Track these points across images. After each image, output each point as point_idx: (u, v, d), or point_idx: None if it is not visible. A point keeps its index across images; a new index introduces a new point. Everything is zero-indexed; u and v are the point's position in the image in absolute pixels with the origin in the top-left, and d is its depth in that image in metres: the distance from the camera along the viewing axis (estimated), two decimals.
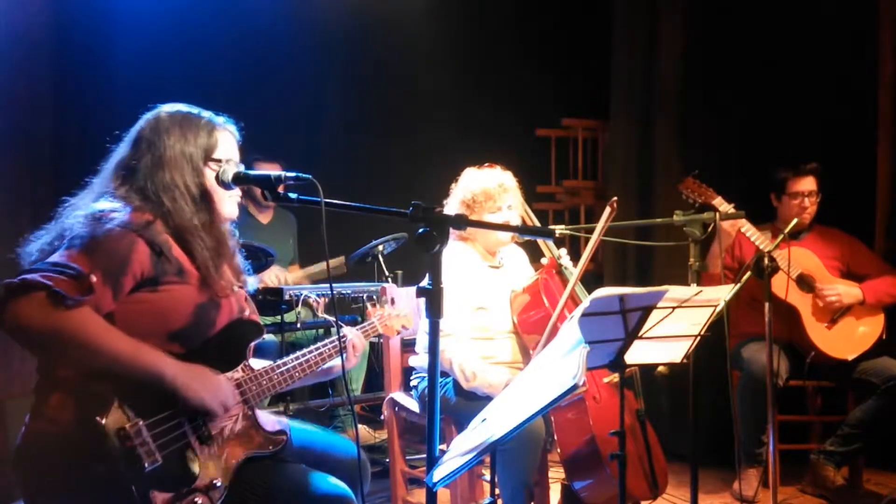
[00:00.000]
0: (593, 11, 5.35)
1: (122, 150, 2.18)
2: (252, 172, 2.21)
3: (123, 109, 2.28)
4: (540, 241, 3.26)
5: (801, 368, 3.92)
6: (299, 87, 5.31)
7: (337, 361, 2.38)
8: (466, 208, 3.14)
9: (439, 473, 1.88)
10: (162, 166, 2.11)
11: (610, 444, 2.67)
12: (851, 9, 4.50)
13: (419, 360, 3.21)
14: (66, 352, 1.89)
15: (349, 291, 4.16)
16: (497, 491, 2.52)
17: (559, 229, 3.45)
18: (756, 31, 4.66)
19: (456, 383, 2.99)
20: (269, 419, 2.25)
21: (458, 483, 3.00)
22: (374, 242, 4.10)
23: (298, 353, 2.33)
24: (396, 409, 3.31)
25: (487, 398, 2.76)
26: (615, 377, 2.66)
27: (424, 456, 2.89)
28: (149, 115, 2.19)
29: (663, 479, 3.06)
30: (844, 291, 3.86)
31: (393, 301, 2.75)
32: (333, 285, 4.09)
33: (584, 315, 2.16)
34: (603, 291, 2.30)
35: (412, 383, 3.25)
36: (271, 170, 3.86)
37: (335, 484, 2.16)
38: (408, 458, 3.52)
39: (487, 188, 3.13)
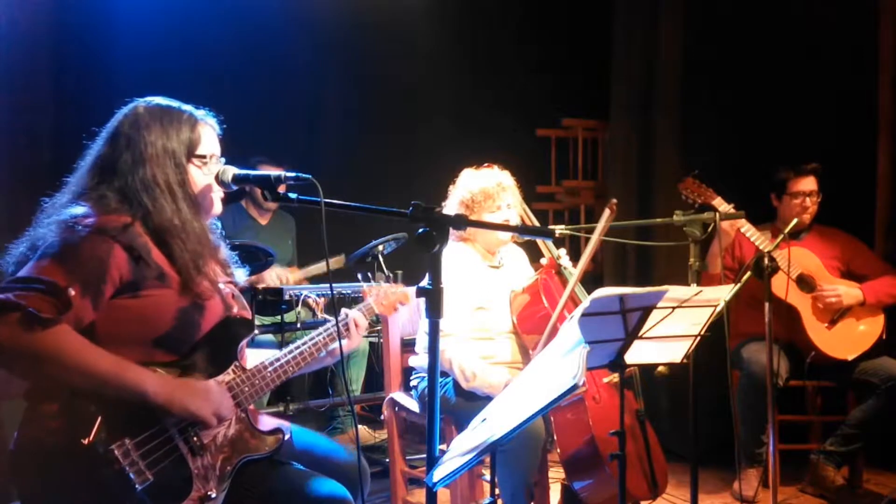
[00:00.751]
0: (593, 11, 5.35)
1: (99, 147, 2.08)
2: (252, 172, 2.17)
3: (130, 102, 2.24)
4: (539, 241, 3.26)
5: (801, 368, 3.92)
6: (299, 87, 5.31)
7: (335, 344, 2.32)
8: (466, 209, 3.14)
9: (439, 473, 1.88)
10: (143, 163, 2.03)
11: (610, 444, 2.67)
12: (851, 9, 4.50)
13: (419, 360, 3.21)
14: (45, 372, 1.84)
15: (349, 291, 4.16)
16: (497, 491, 2.51)
17: (559, 229, 3.45)
18: (756, 31, 4.66)
19: (456, 383, 2.99)
20: (265, 419, 2.22)
21: (458, 483, 3.00)
22: (374, 242, 4.10)
23: (292, 346, 2.27)
24: (396, 409, 3.31)
25: (487, 398, 2.76)
26: (615, 377, 2.67)
27: (424, 456, 2.89)
28: (126, 110, 2.11)
29: (663, 479, 3.06)
30: (845, 292, 3.86)
31: (389, 279, 2.70)
32: (333, 285, 4.09)
33: (584, 315, 2.16)
34: (603, 291, 2.30)
35: (412, 383, 3.25)
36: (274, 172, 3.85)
37: (334, 486, 2.13)
38: (408, 458, 3.52)
39: (486, 188, 3.14)
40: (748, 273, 3.36)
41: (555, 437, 2.99)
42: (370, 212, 2.07)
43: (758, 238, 3.70)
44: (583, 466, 2.91)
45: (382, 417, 3.45)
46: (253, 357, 2.23)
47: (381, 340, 3.52)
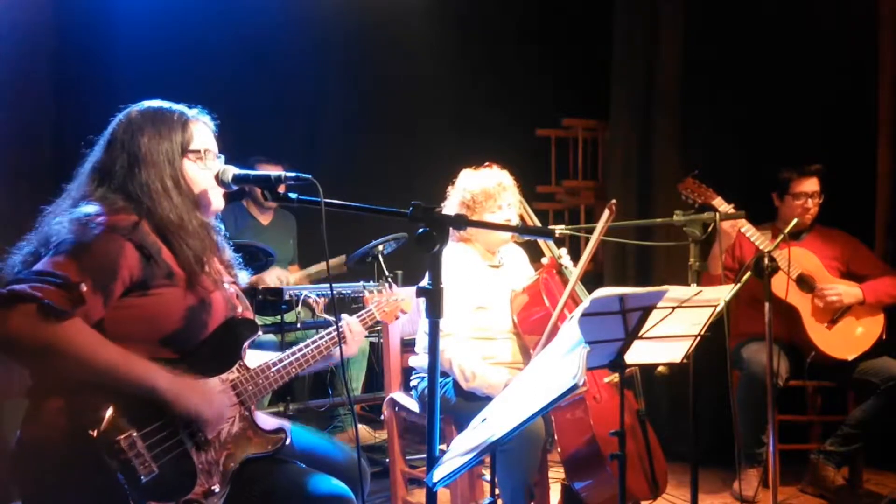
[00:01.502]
0: (593, 11, 5.35)
1: (96, 154, 2.12)
2: (252, 172, 2.18)
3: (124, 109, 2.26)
4: (540, 240, 3.26)
5: (801, 368, 3.92)
6: (299, 86, 5.31)
7: (336, 349, 2.35)
8: (466, 209, 3.14)
9: (439, 473, 1.88)
10: (138, 165, 2.06)
11: (610, 443, 2.67)
12: (851, 9, 4.50)
13: (419, 360, 3.21)
14: (57, 365, 1.86)
15: (349, 291, 4.16)
16: (497, 491, 2.51)
17: (559, 229, 3.45)
18: (756, 31, 4.66)
19: (456, 383, 2.99)
20: (268, 419, 2.24)
21: (458, 483, 3.00)
22: (374, 242, 4.10)
23: (295, 349, 2.29)
24: (396, 409, 3.31)
25: (487, 398, 2.76)
26: (615, 377, 2.66)
27: (424, 456, 2.89)
28: (120, 116, 2.14)
29: (663, 479, 3.06)
30: (845, 291, 3.86)
31: (390, 286, 2.72)
32: (333, 285, 4.09)
33: (584, 315, 2.16)
34: (603, 291, 2.30)
35: (412, 383, 3.25)
36: (273, 171, 3.86)
37: (335, 484, 2.14)
38: (408, 458, 3.52)
39: (487, 187, 3.14)
40: (748, 273, 3.36)
41: (555, 437, 2.99)
42: (370, 212, 2.08)
43: (758, 238, 3.70)
44: (583, 466, 2.91)
45: (382, 417, 3.45)
46: (253, 358, 2.24)
47: (381, 340, 3.53)
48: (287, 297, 4.08)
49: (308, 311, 4.32)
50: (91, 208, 1.99)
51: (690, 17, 4.77)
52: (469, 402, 2.92)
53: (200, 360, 2.07)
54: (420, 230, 1.90)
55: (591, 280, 4.94)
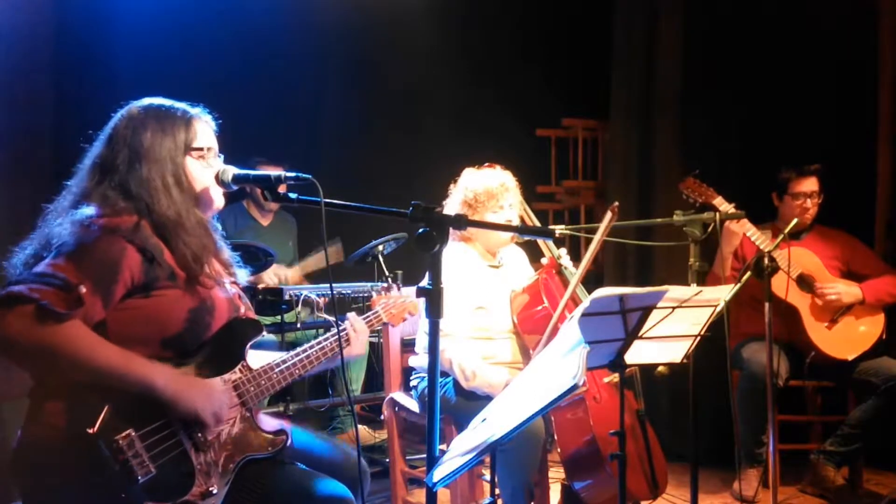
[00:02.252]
0: (593, 11, 5.35)
1: (97, 149, 2.11)
2: (252, 172, 2.18)
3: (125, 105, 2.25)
4: (540, 241, 3.26)
5: (801, 368, 3.92)
6: (299, 87, 5.31)
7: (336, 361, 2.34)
8: (468, 208, 3.14)
9: (439, 473, 1.88)
10: (140, 160, 2.05)
11: (610, 444, 2.67)
12: (851, 9, 4.50)
13: (419, 360, 3.21)
14: (56, 366, 1.86)
15: (349, 291, 4.16)
16: (497, 491, 2.51)
17: (559, 229, 3.45)
18: (756, 31, 4.66)
19: (456, 383, 2.99)
20: (269, 420, 2.23)
21: (458, 483, 3.00)
22: (374, 242, 4.10)
23: (299, 350, 2.28)
24: (396, 409, 3.31)
25: (487, 398, 2.76)
26: (615, 377, 2.67)
27: (424, 456, 2.89)
28: (122, 112, 2.13)
29: (663, 479, 3.06)
30: (844, 291, 3.86)
31: (399, 287, 2.70)
32: (334, 285, 4.09)
33: (584, 315, 2.16)
34: (603, 291, 2.30)
35: (412, 383, 3.25)
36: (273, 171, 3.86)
37: (336, 486, 2.14)
38: (408, 458, 3.52)
39: (490, 187, 3.14)
40: (748, 273, 3.36)
41: (555, 437, 2.99)
42: (370, 212, 2.08)
43: (758, 238, 3.70)
44: (583, 466, 2.91)
45: (382, 417, 3.45)
46: (254, 358, 2.24)
47: (381, 340, 3.52)
48: (287, 297, 4.08)
49: (308, 310, 4.32)
50: (91, 210, 1.98)
51: (690, 17, 4.77)
52: (469, 402, 2.92)
53: (203, 360, 2.07)
54: (420, 230, 1.90)
55: (592, 280, 4.94)
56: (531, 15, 5.64)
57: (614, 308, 2.29)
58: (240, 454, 2.09)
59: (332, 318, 2.38)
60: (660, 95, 4.84)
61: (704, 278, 3.59)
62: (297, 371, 2.25)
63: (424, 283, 1.93)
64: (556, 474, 3.42)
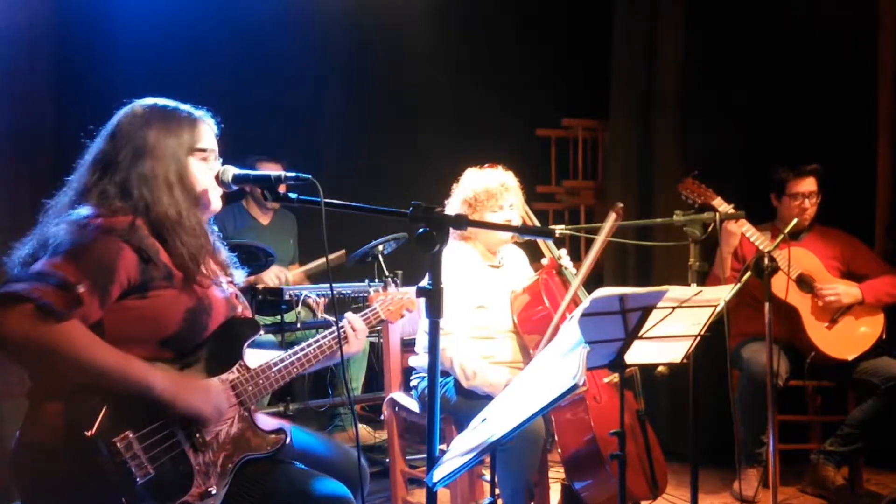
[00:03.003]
0: (593, 11, 5.35)
1: (98, 144, 2.10)
2: (252, 172, 2.18)
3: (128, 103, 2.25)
4: (540, 241, 3.26)
5: (801, 368, 3.92)
6: (299, 87, 5.31)
7: (335, 358, 2.34)
8: (469, 207, 3.14)
9: (439, 473, 1.88)
10: (143, 157, 2.05)
11: (610, 443, 2.67)
12: (851, 9, 4.50)
13: (419, 360, 3.21)
14: (53, 365, 1.86)
15: (349, 291, 4.16)
16: (497, 491, 2.51)
17: (559, 229, 3.45)
18: (756, 32, 4.66)
19: (456, 383, 2.99)
20: (267, 419, 2.23)
21: (458, 483, 3.00)
22: (374, 242, 4.10)
23: (297, 348, 2.28)
24: (396, 409, 3.31)
25: (487, 398, 2.76)
26: (615, 377, 2.67)
27: (424, 456, 2.89)
28: (125, 110, 2.13)
29: (663, 479, 3.06)
30: (844, 291, 3.86)
31: (396, 285, 2.70)
32: (334, 285, 4.09)
33: (583, 315, 2.16)
34: (603, 291, 2.30)
35: (412, 383, 3.25)
36: (273, 170, 3.86)
37: (335, 485, 2.13)
38: (408, 458, 3.52)
39: (490, 187, 3.14)
40: (748, 273, 3.36)
41: (555, 437, 2.99)
42: (370, 212, 2.08)
43: (758, 238, 3.70)
44: (584, 466, 2.91)
45: (382, 417, 3.45)
46: (253, 358, 2.24)
47: (381, 340, 3.52)
48: (287, 297, 4.08)
49: (308, 310, 4.32)
50: (87, 210, 1.98)
51: (690, 17, 4.77)
52: (469, 402, 2.92)
53: (200, 360, 2.06)
54: (420, 230, 1.90)
55: (592, 280, 4.91)
56: (531, 15, 5.63)
57: (614, 308, 2.29)
58: (238, 454, 2.08)
59: (332, 319, 2.38)
60: (660, 95, 4.84)
61: (705, 278, 3.59)
62: (295, 370, 2.25)
63: (424, 282, 1.93)
64: (556, 474, 3.42)
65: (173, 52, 4.66)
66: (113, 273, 1.92)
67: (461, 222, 2.18)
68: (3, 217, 3.74)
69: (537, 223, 3.40)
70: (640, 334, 2.41)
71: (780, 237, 3.51)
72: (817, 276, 3.92)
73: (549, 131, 5.68)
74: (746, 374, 3.86)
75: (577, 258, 3.27)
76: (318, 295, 4.21)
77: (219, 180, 2.15)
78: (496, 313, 3.13)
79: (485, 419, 1.98)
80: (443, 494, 2.29)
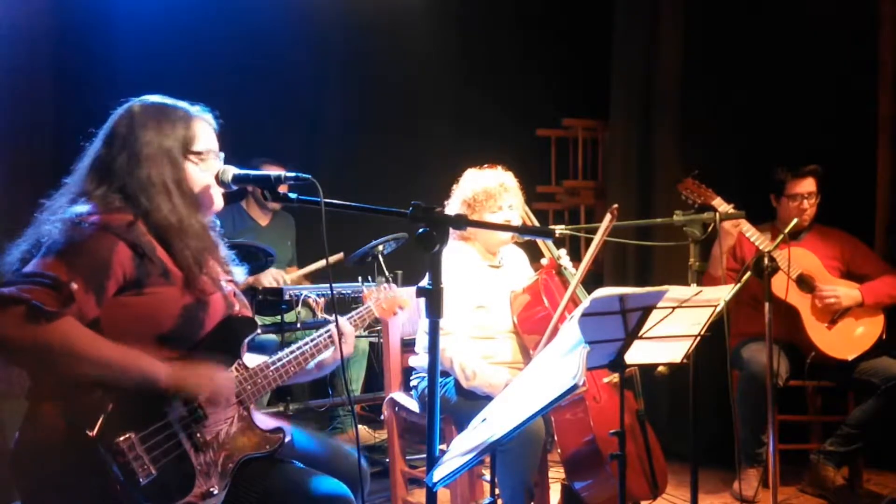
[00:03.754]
0: (593, 11, 5.35)
1: (96, 148, 2.09)
2: (252, 172, 2.17)
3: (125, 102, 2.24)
4: (540, 241, 3.26)
5: (801, 368, 3.92)
6: (299, 87, 5.32)
7: (329, 353, 2.35)
8: (468, 208, 3.14)
9: (439, 473, 1.88)
10: (139, 163, 2.04)
11: (610, 444, 2.67)
12: (851, 9, 4.50)
13: (419, 360, 3.21)
14: (53, 365, 1.85)
15: (349, 291, 4.16)
16: (497, 491, 2.52)
17: (559, 229, 3.45)
18: (756, 31, 4.66)
19: (456, 383, 2.99)
20: (266, 418, 2.23)
21: (458, 483, 3.00)
22: (374, 242, 4.10)
23: (294, 347, 2.28)
24: (396, 409, 3.31)
25: (487, 398, 2.76)
26: (615, 377, 2.67)
27: (424, 456, 2.89)
28: (121, 110, 2.12)
29: (663, 479, 3.06)
30: (844, 293, 3.86)
31: (389, 282, 2.71)
32: (333, 285, 4.09)
33: (583, 315, 2.16)
34: (603, 291, 2.30)
35: (412, 383, 3.25)
36: (274, 171, 3.86)
37: (335, 484, 2.13)
38: (408, 458, 3.52)
39: (489, 187, 3.14)
40: (748, 273, 3.36)
41: (555, 437, 2.99)
42: (370, 212, 2.08)
43: (758, 238, 3.70)
44: (584, 466, 2.91)
45: (382, 417, 3.45)
46: (252, 360, 2.24)
47: (381, 340, 3.52)
48: (287, 297, 4.08)
49: (308, 311, 4.32)
50: (83, 207, 1.97)
51: (690, 17, 4.77)
52: (469, 402, 2.92)
53: (199, 358, 2.05)
54: (420, 230, 1.90)
55: (592, 280, 4.93)
56: (531, 15, 5.64)
57: (614, 308, 2.29)
58: (238, 453, 2.08)
59: (331, 318, 2.39)
60: (660, 96, 4.84)
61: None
62: (292, 368, 2.25)
63: (424, 282, 1.93)
64: (556, 474, 3.42)
65: (173, 51, 4.66)
66: (107, 269, 1.91)
67: (461, 222, 2.19)
68: (3, 216, 3.74)
69: (537, 223, 3.40)
70: (640, 334, 2.41)
71: (780, 237, 3.51)
72: (817, 277, 3.91)
73: (549, 131, 5.68)
74: (746, 374, 3.86)
75: (576, 258, 3.27)
76: (317, 295, 4.21)
77: (219, 180, 2.15)
78: (496, 313, 3.13)
79: (485, 419, 1.98)
80: (443, 494, 2.29)
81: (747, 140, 4.67)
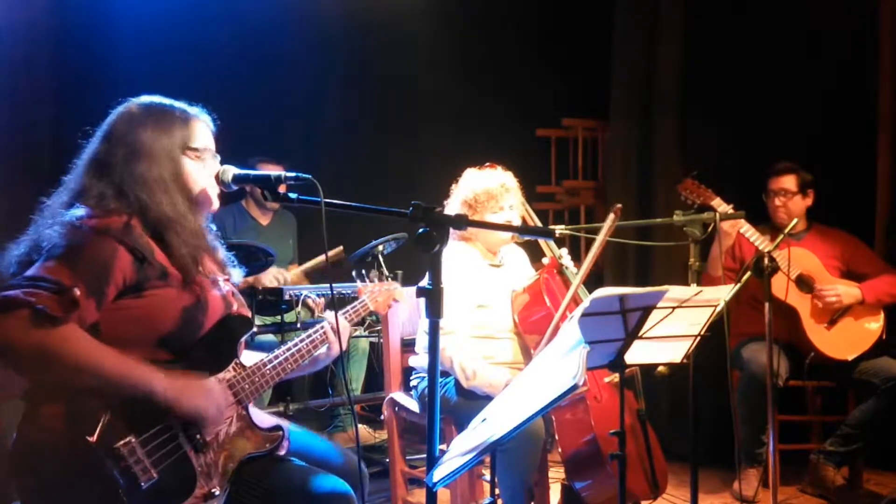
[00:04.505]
0: (593, 12, 5.35)
1: (94, 146, 2.09)
2: (252, 172, 2.17)
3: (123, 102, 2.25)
4: (541, 240, 3.26)
5: (801, 368, 3.92)
6: (299, 86, 5.31)
7: (324, 349, 2.36)
8: (468, 208, 3.14)
9: (439, 473, 1.88)
10: (137, 159, 2.04)
11: (611, 443, 2.67)
12: (851, 9, 4.50)
13: (419, 359, 3.21)
14: (54, 371, 1.83)
15: (349, 291, 4.16)
16: (497, 491, 2.52)
17: (559, 229, 3.45)
18: (756, 31, 4.66)
19: (456, 383, 2.99)
20: (264, 417, 2.23)
21: (458, 483, 2.99)
22: (374, 242, 4.10)
23: (290, 344, 2.29)
24: (396, 409, 3.30)
25: (487, 398, 2.76)
26: (615, 377, 2.66)
27: (424, 456, 2.89)
28: (120, 109, 2.12)
29: (663, 479, 3.06)
30: (844, 292, 3.86)
31: (382, 276, 2.73)
32: (333, 285, 4.08)
33: (584, 315, 2.16)
34: (603, 291, 2.30)
35: (412, 383, 3.25)
36: (274, 171, 3.86)
37: (336, 482, 2.13)
38: (408, 458, 3.52)
39: (490, 188, 3.14)
40: (748, 273, 3.36)
41: (555, 437, 2.99)
42: (370, 212, 2.08)
43: (757, 238, 3.70)
44: (584, 466, 2.91)
45: (382, 417, 3.45)
46: (250, 358, 2.23)
47: (381, 340, 3.52)
48: (287, 297, 4.08)
49: (308, 311, 4.32)
50: (81, 211, 1.97)
51: (690, 17, 4.77)
52: (469, 402, 2.92)
53: (197, 360, 2.06)
54: (420, 230, 1.90)
55: (592, 280, 4.91)
56: (531, 15, 5.64)
57: (614, 308, 2.29)
58: (238, 453, 2.08)
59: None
60: (660, 95, 4.84)
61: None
62: (289, 366, 2.25)
63: (424, 282, 1.93)
64: (556, 474, 3.42)
65: (173, 51, 4.66)
66: (108, 274, 1.91)
67: (461, 222, 2.18)
68: (3, 216, 3.74)
69: (538, 223, 3.40)
70: (640, 334, 2.41)
71: (780, 237, 3.51)
72: (817, 277, 3.91)
73: (549, 131, 5.68)
74: (746, 374, 3.86)
75: (577, 258, 3.27)
76: (317, 295, 4.21)
77: (218, 180, 2.15)
78: (497, 313, 3.13)
79: (485, 419, 1.98)
80: (443, 494, 2.29)
81: (747, 140, 4.67)
